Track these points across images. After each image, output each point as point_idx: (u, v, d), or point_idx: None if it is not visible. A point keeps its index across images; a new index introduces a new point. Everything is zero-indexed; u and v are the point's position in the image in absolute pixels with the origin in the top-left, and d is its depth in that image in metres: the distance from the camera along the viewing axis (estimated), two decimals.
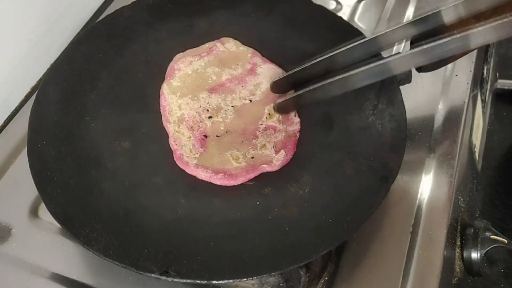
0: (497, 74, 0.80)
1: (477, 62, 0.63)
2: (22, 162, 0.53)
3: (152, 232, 0.44)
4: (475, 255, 0.50)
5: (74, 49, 0.56)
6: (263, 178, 0.48)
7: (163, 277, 0.41)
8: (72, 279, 0.48)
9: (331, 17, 0.59)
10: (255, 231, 0.44)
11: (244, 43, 0.57)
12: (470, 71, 0.62)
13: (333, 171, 0.47)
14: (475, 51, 0.61)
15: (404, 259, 0.47)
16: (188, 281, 0.41)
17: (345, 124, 0.51)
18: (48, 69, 0.63)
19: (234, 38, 0.58)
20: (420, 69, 0.53)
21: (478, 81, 0.64)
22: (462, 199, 0.55)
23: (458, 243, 0.52)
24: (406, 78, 0.53)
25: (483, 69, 0.67)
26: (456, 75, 0.61)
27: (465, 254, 0.51)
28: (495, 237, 0.50)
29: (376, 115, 0.50)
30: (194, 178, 0.48)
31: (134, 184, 0.47)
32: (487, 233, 0.51)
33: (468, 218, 0.56)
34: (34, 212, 0.52)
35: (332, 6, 0.70)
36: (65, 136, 0.49)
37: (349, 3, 0.70)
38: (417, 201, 0.51)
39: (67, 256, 0.49)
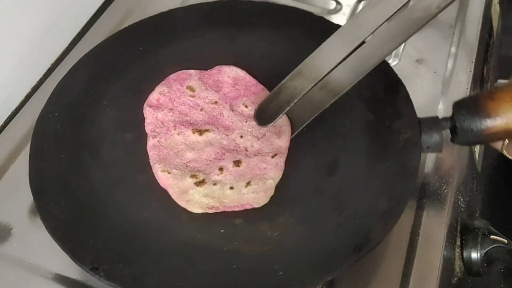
0: (497, 74, 0.80)
1: (477, 62, 0.63)
2: (22, 162, 0.53)
3: (109, 227, 0.44)
4: (475, 255, 0.50)
5: (117, 37, 0.57)
6: None
7: (91, 273, 0.41)
8: (72, 279, 0.48)
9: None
10: (203, 259, 0.42)
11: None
12: (470, 71, 0.62)
13: (311, 221, 0.44)
14: (475, 50, 0.61)
15: (403, 259, 0.47)
16: (111, 284, 0.40)
17: (347, 173, 0.47)
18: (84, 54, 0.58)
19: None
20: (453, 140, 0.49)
21: (478, 81, 0.64)
22: (462, 199, 0.55)
23: (458, 243, 0.52)
24: (437, 146, 0.48)
25: (483, 69, 0.67)
26: (456, 75, 0.61)
27: (465, 254, 0.51)
28: (495, 237, 0.50)
29: (381, 175, 0.46)
30: None
31: (118, 176, 0.48)
32: (487, 233, 0.51)
33: (468, 218, 0.56)
34: (34, 212, 0.52)
35: (332, 6, 0.70)
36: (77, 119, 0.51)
37: (349, 3, 0.70)
38: (417, 202, 0.51)
39: (67, 256, 0.49)
